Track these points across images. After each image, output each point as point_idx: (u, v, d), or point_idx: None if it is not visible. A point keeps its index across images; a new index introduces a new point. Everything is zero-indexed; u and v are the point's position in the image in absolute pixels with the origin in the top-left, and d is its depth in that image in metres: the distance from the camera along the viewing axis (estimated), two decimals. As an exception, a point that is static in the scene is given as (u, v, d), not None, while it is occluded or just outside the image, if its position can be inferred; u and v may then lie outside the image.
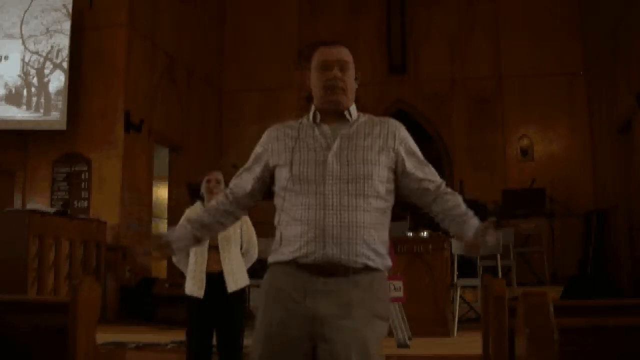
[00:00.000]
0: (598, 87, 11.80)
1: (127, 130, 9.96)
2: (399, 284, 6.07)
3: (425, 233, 7.44)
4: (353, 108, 2.60)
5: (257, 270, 4.93)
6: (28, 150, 10.16)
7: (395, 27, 13.20)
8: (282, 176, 2.53)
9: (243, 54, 13.50)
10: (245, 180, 2.68)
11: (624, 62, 10.19)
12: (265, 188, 2.67)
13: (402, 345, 6.21)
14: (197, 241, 2.76)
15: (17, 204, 9.87)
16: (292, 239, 2.44)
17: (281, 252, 2.48)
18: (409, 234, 7.65)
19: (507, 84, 12.73)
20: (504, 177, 12.40)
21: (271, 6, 13.63)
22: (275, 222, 2.56)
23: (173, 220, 11.08)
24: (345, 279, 2.40)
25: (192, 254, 4.84)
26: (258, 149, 2.68)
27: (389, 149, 2.55)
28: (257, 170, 2.65)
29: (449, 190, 2.65)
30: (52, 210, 8.47)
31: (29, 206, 8.67)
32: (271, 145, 2.61)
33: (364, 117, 2.62)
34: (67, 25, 9.95)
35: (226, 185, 5.03)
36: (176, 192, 11.36)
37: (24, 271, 7.47)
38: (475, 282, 7.28)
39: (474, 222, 2.57)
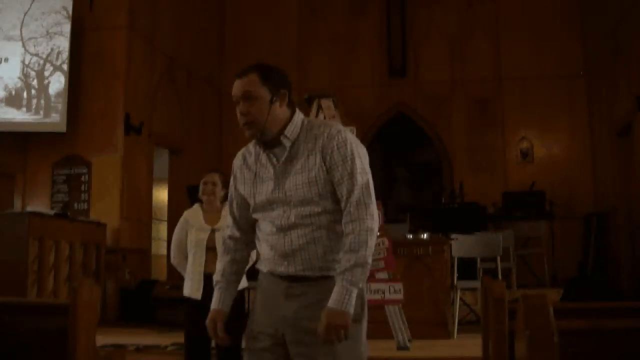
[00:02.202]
0: (598, 89, 11.80)
1: (127, 132, 9.96)
2: (398, 286, 6.07)
3: (425, 235, 7.44)
4: (291, 126, 2.57)
5: (255, 272, 4.94)
6: (28, 152, 10.16)
7: (395, 28, 13.20)
8: (250, 202, 2.66)
9: (243, 55, 13.47)
10: (236, 216, 2.76)
11: (624, 63, 10.19)
12: (244, 210, 2.74)
13: (402, 347, 6.21)
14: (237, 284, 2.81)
15: (17, 206, 9.87)
16: (263, 256, 2.63)
17: (259, 265, 2.67)
18: (408, 236, 7.66)
19: (507, 86, 12.73)
20: (504, 179, 12.40)
21: (271, 7, 13.64)
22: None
23: (173, 222, 11.07)
24: (311, 284, 2.51)
25: (190, 255, 4.85)
26: (231, 179, 2.76)
27: (318, 162, 2.51)
28: (239, 199, 2.74)
29: (347, 227, 2.47)
30: (52, 212, 8.47)
31: (29, 208, 8.66)
32: (238, 175, 2.72)
33: (304, 133, 2.58)
34: (67, 28, 9.95)
35: (223, 186, 5.03)
36: (176, 194, 11.35)
37: (24, 273, 7.47)
38: (475, 284, 7.28)
39: (334, 292, 2.42)
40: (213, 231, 4.82)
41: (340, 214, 2.51)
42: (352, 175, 2.49)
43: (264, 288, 2.63)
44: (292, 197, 2.51)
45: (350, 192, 2.48)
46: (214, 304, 2.72)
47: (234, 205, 2.75)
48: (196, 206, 5.02)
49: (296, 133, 2.57)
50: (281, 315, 2.52)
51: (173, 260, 5.04)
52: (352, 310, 2.39)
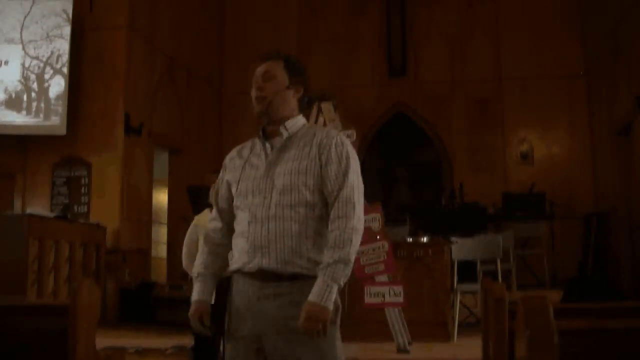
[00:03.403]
0: (598, 89, 11.80)
1: (127, 133, 9.96)
2: (398, 289, 6.07)
3: (425, 238, 7.44)
4: (293, 121, 2.64)
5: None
6: (28, 152, 10.15)
7: (395, 28, 13.20)
8: (233, 194, 2.65)
9: (243, 55, 13.47)
10: (222, 210, 2.75)
11: (624, 63, 10.19)
12: (231, 205, 2.72)
13: (402, 349, 6.21)
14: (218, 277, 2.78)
15: (17, 207, 9.87)
16: (236, 251, 2.58)
17: (231, 263, 2.63)
18: (408, 238, 7.65)
19: (507, 86, 12.73)
20: (504, 179, 12.40)
21: (271, 7, 13.63)
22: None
23: (172, 224, 11.09)
24: (284, 284, 2.48)
25: (199, 258, 4.86)
26: (222, 171, 2.77)
27: (314, 156, 2.55)
28: (224, 193, 2.73)
29: (333, 224, 2.49)
30: (52, 215, 8.47)
31: (29, 211, 8.66)
32: (228, 164, 2.74)
33: (304, 129, 2.64)
34: (67, 30, 9.95)
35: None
36: (176, 194, 11.34)
37: (24, 274, 7.47)
38: (475, 287, 7.26)
39: (315, 286, 2.43)
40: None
41: (321, 212, 2.53)
42: (345, 173, 2.53)
43: (237, 290, 2.59)
44: (277, 184, 2.51)
45: (340, 188, 2.51)
46: (195, 296, 2.68)
47: (220, 196, 2.74)
48: (206, 211, 5.06)
49: (296, 128, 2.63)
50: (257, 316, 2.50)
51: (184, 265, 5.06)
52: (331, 306, 2.40)
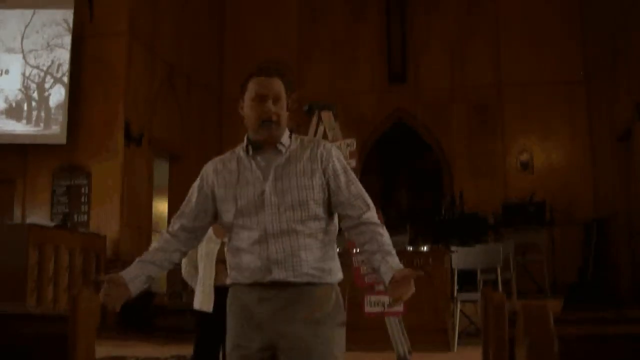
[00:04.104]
0: (598, 95, 11.82)
1: (127, 140, 9.97)
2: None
3: (425, 247, 7.43)
4: (285, 136, 2.67)
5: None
6: (28, 160, 10.16)
7: (395, 35, 13.22)
8: (227, 210, 2.62)
9: (243, 62, 13.47)
10: (187, 217, 2.72)
11: (624, 70, 10.22)
12: (207, 219, 2.72)
13: (402, 358, 6.20)
14: (150, 280, 2.76)
15: (17, 215, 9.87)
16: (241, 267, 2.59)
17: (236, 278, 2.63)
18: (409, 247, 7.64)
19: (507, 92, 12.74)
20: (504, 185, 12.40)
21: (271, 14, 13.66)
22: (226, 248, 2.70)
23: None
24: (291, 291, 2.54)
25: (200, 267, 4.85)
26: (197, 182, 2.74)
27: (318, 170, 2.61)
28: (198, 202, 2.71)
29: (371, 220, 2.62)
30: (52, 224, 8.47)
31: (29, 220, 8.67)
32: (212, 179, 2.70)
33: (296, 143, 2.68)
34: (67, 40, 9.98)
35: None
36: (176, 201, 11.34)
37: (24, 282, 7.47)
38: (476, 296, 7.25)
39: (384, 267, 2.55)
40: (223, 243, 4.83)
41: (327, 224, 2.62)
42: (355, 181, 2.66)
43: (243, 300, 2.60)
44: (286, 200, 2.55)
45: (359, 194, 2.63)
46: (124, 273, 2.64)
47: (193, 202, 2.71)
48: None
49: (287, 141, 2.67)
50: (265, 325, 2.54)
51: (184, 274, 5.05)
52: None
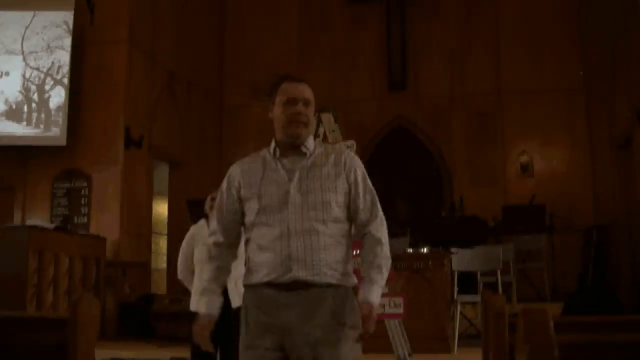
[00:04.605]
0: (598, 102, 11.83)
1: (127, 146, 9.97)
2: (399, 300, 6.06)
3: (425, 249, 7.43)
4: (310, 141, 2.81)
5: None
6: (28, 166, 10.16)
7: (395, 42, 13.23)
8: (250, 208, 2.72)
9: (243, 69, 13.53)
10: (227, 223, 2.83)
11: (624, 77, 10.22)
12: (241, 219, 2.80)
13: (402, 361, 6.19)
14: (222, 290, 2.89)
15: (17, 219, 9.86)
16: (261, 265, 2.67)
17: (252, 277, 2.70)
18: (409, 250, 7.64)
19: (506, 99, 12.75)
20: (504, 192, 12.40)
21: (272, 21, 13.68)
22: (244, 249, 2.79)
23: (172, 236, 11.08)
24: (310, 293, 2.62)
25: (196, 270, 4.85)
26: (224, 185, 2.84)
27: (342, 175, 2.74)
28: (232, 206, 2.81)
29: (373, 233, 2.75)
30: (52, 226, 8.46)
31: (29, 222, 8.66)
32: (238, 180, 2.80)
33: (320, 148, 2.82)
34: (67, 42, 9.99)
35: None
36: (176, 207, 11.35)
37: (23, 287, 7.45)
38: (476, 298, 7.26)
39: (360, 294, 2.67)
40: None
41: (346, 227, 2.74)
42: (372, 192, 2.80)
43: (260, 299, 2.67)
44: (310, 200, 2.66)
45: (373, 205, 2.77)
46: (204, 309, 2.77)
47: (224, 210, 2.81)
48: (202, 222, 5.06)
49: (312, 145, 2.80)
50: (283, 327, 2.60)
51: (179, 275, 5.06)
52: (377, 303, 2.65)
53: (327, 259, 2.63)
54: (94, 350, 3.04)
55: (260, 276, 2.66)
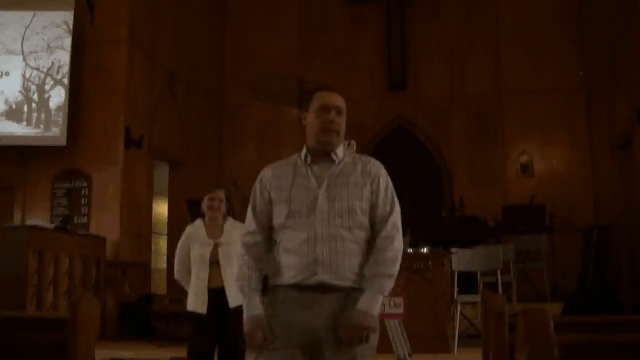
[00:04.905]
0: (598, 102, 11.83)
1: (127, 146, 9.97)
2: (398, 300, 6.06)
3: (425, 249, 7.43)
4: (341, 149, 2.91)
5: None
6: (28, 166, 10.16)
7: (395, 42, 13.23)
8: (279, 212, 2.82)
9: (243, 69, 13.53)
10: (263, 223, 2.90)
11: (624, 77, 10.22)
12: (271, 219, 2.88)
13: (402, 361, 6.19)
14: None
15: (17, 219, 9.86)
16: (288, 267, 2.76)
17: (279, 278, 2.79)
18: (409, 250, 7.64)
19: (506, 99, 12.75)
20: (504, 192, 12.40)
21: (272, 21, 13.68)
22: (273, 250, 2.87)
23: (172, 236, 11.07)
24: (334, 296, 2.73)
25: (193, 270, 4.85)
26: (257, 188, 2.93)
27: (367, 183, 2.83)
28: (266, 207, 2.89)
29: (385, 237, 2.79)
30: (52, 226, 8.46)
31: (29, 222, 8.65)
32: (269, 183, 2.89)
33: (349, 157, 2.91)
34: (67, 42, 9.99)
35: (226, 202, 5.07)
36: (176, 208, 11.35)
37: (23, 287, 7.45)
38: (476, 298, 7.27)
39: (369, 296, 2.73)
40: (216, 245, 4.83)
41: (369, 234, 2.82)
42: (392, 202, 2.87)
43: (285, 300, 2.76)
44: (337, 207, 2.76)
45: (389, 214, 2.83)
46: (255, 310, 2.81)
47: (258, 212, 2.90)
48: (198, 221, 5.05)
49: (342, 153, 2.90)
50: (307, 326, 2.70)
51: (176, 275, 5.05)
52: (376, 314, 2.73)
53: (350, 264, 2.73)
54: (94, 350, 3.05)
55: (287, 278, 2.75)
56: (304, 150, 2.89)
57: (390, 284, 2.78)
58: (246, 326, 2.80)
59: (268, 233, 2.88)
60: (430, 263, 7.08)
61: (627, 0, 9.72)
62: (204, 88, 12.90)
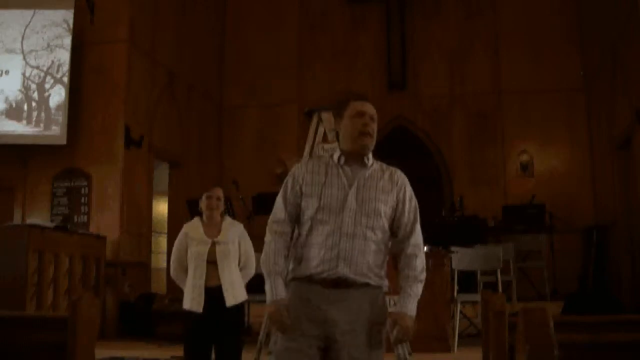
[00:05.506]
0: (597, 102, 11.83)
1: (127, 145, 9.97)
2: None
3: (425, 248, 7.43)
4: (371, 154, 3.08)
5: (254, 285, 4.93)
6: (28, 165, 10.16)
7: (394, 42, 13.23)
8: (310, 205, 2.99)
9: (243, 70, 13.55)
10: (292, 214, 3.06)
11: (624, 78, 10.22)
12: (298, 211, 3.05)
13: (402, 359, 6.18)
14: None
15: (17, 219, 9.85)
16: (311, 258, 2.93)
17: (300, 270, 2.96)
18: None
19: (506, 100, 12.75)
20: (503, 192, 12.40)
21: (271, 23, 13.68)
22: (295, 243, 3.05)
23: (172, 235, 11.07)
24: (351, 291, 2.89)
25: (190, 269, 4.83)
26: (289, 181, 3.09)
27: (394, 191, 3.03)
28: (296, 200, 3.05)
29: (410, 246, 3.01)
30: (52, 225, 8.45)
31: (29, 221, 8.65)
32: (302, 177, 3.05)
33: (377, 164, 3.10)
34: (67, 41, 9.98)
35: (225, 199, 5.07)
36: (176, 207, 11.35)
37: (23, 286, 7.44)
38: (476, 297, 7.27)
39: (403, 300, 2.94)
40: (214, 244, 4.82)
41: (388, 237, 3.02)
42: (416, 211, 3.07)
43: (306, 292, 2.91)
44: (364, 207, 2.94)
45: (414, 222, 3.05)
46: (279, 294, 2.94)
47: (289, 203, 3.04)
48: (196, 219, 5.02)
49: (372, 159, 3.08)
50: (325, 319, 2.85)
51: (172, 273, 5.03)
52: (414, 314, 2.92)
53: (368, 262, 2.91)
54: (94, 350, 3.05)
55: (309, 270, 2.91)
56: (338, 153, 3.06)
57: (421, 287, 2.97)
58: (270, 309, 2.91)
59: (294, 225, 3.03)
60: (430, 263, 7.07)
61: (627, 1, 9.72)
62: (204, 88, 12.91)
